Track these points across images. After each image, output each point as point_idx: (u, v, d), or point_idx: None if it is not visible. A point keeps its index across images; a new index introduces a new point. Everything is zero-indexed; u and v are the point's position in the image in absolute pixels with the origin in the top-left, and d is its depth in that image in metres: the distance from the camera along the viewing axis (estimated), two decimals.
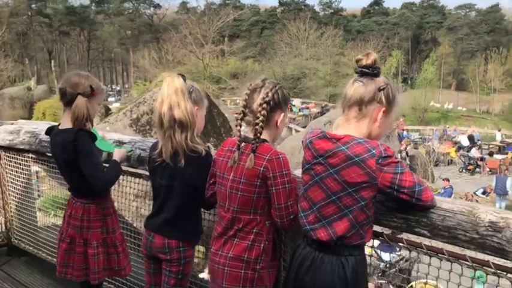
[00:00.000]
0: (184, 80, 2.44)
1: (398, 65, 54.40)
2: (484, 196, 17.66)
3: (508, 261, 1.71)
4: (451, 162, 24.36)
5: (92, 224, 2.75)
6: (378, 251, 9.32)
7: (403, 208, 1.90)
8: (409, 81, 63.59)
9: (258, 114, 2.11)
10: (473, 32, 66.31)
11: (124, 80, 72.22)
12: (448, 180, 16.40)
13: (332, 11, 73.11)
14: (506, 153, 24.45)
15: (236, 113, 2.26)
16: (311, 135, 1.98)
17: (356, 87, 1.89)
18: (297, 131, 25.85)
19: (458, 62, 62.55)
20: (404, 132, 28.02)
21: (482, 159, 23.51)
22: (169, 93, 2.39)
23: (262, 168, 2.06)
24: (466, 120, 45.46)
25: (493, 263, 1.74)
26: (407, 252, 1.98)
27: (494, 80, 54.29)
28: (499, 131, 30.41)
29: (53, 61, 57.34)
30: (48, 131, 2.86)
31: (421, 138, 29.31)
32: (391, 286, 8.56)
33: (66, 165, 2.70)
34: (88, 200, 2.76)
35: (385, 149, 1.79)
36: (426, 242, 1.91)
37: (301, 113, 34.38)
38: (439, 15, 71.38)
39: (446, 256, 1.81)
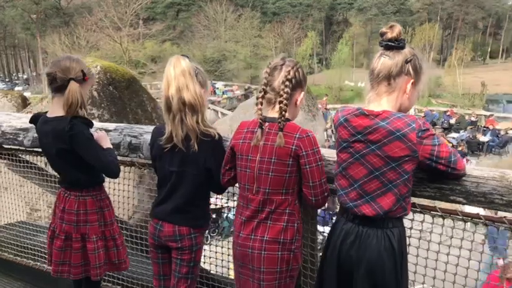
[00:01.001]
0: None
1: (313, 46, 55.88)
2: None
3: None
4: None
5: (90, 218, 2.58)
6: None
7: (435, 178, 1.98)
8: (324, 62, 65.61)
9: (282, 92, 2.09)
10: (381, 12, 69.63)
11: (31, 68, 67.51)
12: None
13: None
14: None
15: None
16: (344, 112, 1.99)
17: (383, 62, 1.92)
18: (223, 114, 25.84)
19: (369, 41, 65.40)
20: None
21: None
22: (176, 75, 2.29)
23: (294, 147, 2.04)
24: None
25: None
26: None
27: None
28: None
29: None
30: (34, 120, 2.63)
31: None
32: None
33: (59, 156, 2.50)
34: (83, 193, 2.59)
35: (423, 122, 1.85)
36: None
37: (225, 96, 34.32)
38: None
39: (482, 220, 1.92)
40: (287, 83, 2.09)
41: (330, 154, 2.26)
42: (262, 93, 2.14)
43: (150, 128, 2.91)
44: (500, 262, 5.64)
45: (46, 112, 2.59)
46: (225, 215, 11.82)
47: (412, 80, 1.93)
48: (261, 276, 2.13)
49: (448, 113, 26.03)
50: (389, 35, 1.91)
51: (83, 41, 43.87)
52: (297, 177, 2.11)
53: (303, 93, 2.19)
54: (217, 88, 38.04)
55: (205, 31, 50.86)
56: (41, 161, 3.46)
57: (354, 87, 50.33)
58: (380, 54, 1.94)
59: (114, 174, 2.56)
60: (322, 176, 2.10)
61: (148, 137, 2.82)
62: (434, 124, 23.84)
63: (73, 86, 2.43)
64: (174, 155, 2.35)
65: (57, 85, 2.46)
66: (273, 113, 2.13)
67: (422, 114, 25.65)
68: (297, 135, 2.06)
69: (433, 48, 64.26)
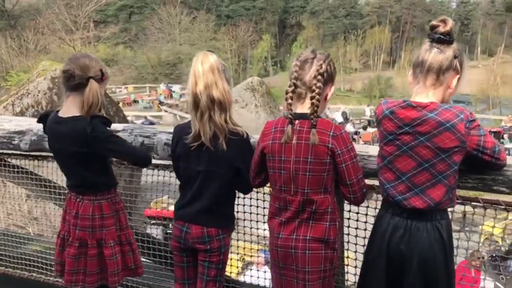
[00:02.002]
0: None
1: (268, 49, 56.38)
2: None
3: None
4: None
5: (106, 222, 2.45)
6: None
7: (475, 170, 2.00)
8: (279, 64, 66.27)
9: (314, 87, 2.01)
10: (333, 15, 71.07)
11: None
12: None
13: None
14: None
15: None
16: (389, 105, 1.96)
17: (434, 55, 1.91)
18: (181, 117, 25.59)
19: (322, 44, 66.59)
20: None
21: (356, 133, 25.50)
22: (204, 71, 2.21)
23: (330, 145, 1.98)
24: (333, 98, 48.63)
25: None
26: None
27: (353, 61, 59.01)
28: (368, 106, 33.25)
29: None
30: (42, 119, 2.48)
31: None
32: None
33: (74, 157, 2.36)
34: (98, 196, 2.44)
35: (470, 113, 1.87)
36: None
37: (183, 99, 34.01)
38: (301, 0, 75.07)
39: None
40: (319, 77, 2.02)
41: (363, 149, 2.25)
42: (293, 87, 2.05)
43: (162, 128, 2.82)
44: None
45: (56, 111, 2.44)
46: None
47: (458, 76, 1.94)
48: (306, 277, 2.07)
49: None
50: (441, 29, 1.91)
51: (31, 45, 42.32)
52: (333, 175, 2.06)
53: (333, 87, 2.15)
54: (174, 91, 37.66)
55: (159, 34, 50.21)
56: (40, 166, 3.27)
57: None
58: (430, 46, 1.93)
59: (149, 160, 2.55)
60: (359, 173, 2.07)
61: (162, 136, 2.73)
62: None
63: (94, 85, 2.31)
64: (201, 154, 2.26)
65: (75, 83, 2.32)
66: (302, 108, 2.06)
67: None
68: (331, 133, 2.00)
69: (383, 50, 66.42)
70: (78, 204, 2.44)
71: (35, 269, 3.41)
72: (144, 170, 3.04)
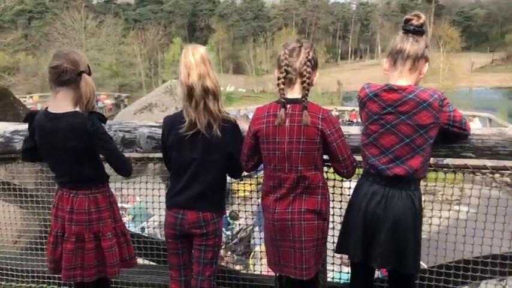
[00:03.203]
0: None
1: (181, 51, 55.85)
2: None
3: None
4: None
5: (103, 215, 2.47)
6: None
7: (446, 140, 2.30)
8: None
9: (305, 73, 2.21)
10: (241, 18, 72.27)
11: None
12: None
13: None
14: None
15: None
16: (372, 88, 2.19)
17: (412, 44, 2.16)
18: None
19: (232, 47, 67.41)
20: None
21: None
22: (196, 62, 2.33)
23: (320, 126, 2.19)
24: (248, 100, 49.56)
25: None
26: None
27: (264, 62, 60.23)
28: None
29: None
30: (30, 117, 2.43)
31: None
32: (234, 255, 9.22)
33: (71, 153, 2.36)
34: (92, 190, 2.45)
35: (441, 92, 2.16)
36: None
37: (96, 106, 32.69)
38: (210, 3, 75.48)
39: (489, 170, 2.30)
40: (308, 63, 2.22)
41: (345, 130, 2.46)
42: (284, 73, 2.23)
43: (142, 123, 2.86)
44: None
45: (46, 108, 2.40)
46: None
47: (427, 63, 2.21)
48: (302, 245, 2.26)
49: None
50: (415, 22, 2.17)
51: None
52: (322, 153, 2.28)
53: (317, 73, 2.35)
54: None
55: (64, 39, 47.74)
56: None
57: (223, 92, 51.35)
58: (405, 37, 2.18)
59: (130, 169, 2.49)
60: (348, 149, 2.30)
61: (144, 130, 2.78)
62: None
63: (88, 79, 2.34)
64: (196, 141, 2.36)
65: (66, 78, 2.31)
66: (292, 93, 2.24)
67: None
68: (320, 116, 2.21)
69: None
70: (73, 200, 2.43)
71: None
72: None
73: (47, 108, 2.40)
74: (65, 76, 2.31)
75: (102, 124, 2.40)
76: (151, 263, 3.37)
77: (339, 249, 2.37)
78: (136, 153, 2.80)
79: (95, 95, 2.36)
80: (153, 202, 3.16)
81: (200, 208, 2.41)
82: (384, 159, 2.16)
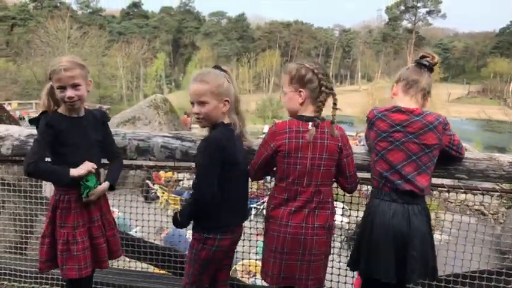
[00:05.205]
0: None
1: (164, 67, 56.08)
2: None
3: None
4: None
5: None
6: None
7: (442, 161, 2.51)
8: (174, 83, 66.10)
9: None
10: (226, 37, 73.00)
11: None
12: None
13: (91, 10, 70.52)
14: None
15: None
16: (381, 109, 2.40)
17: (426, 78, 2.43)
18: None
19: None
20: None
21: None
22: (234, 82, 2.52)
23: (339, 143, 2.37)
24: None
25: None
26: None
27: (246, 82, 60.82)
28: (266, 124, 34.61)
29: None
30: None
31: None
32: None
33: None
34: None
35: (445, 117, 2.38)
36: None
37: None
38: (195, 20, 76.17)
39: (480, 191, 2.52)
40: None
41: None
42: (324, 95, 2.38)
43: (156, 132, 2.98)
44: None
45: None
46: None
47: (428, 97, 2.46)
48: (311, 258, 2.38)
49: None
50: (432, 60, 2.44)
51: None
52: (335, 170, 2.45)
53: None
54: None
55: (46, 48, 47.44)
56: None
57: None
58: (420, 70, 2.44)
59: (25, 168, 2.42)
60: (354, 167, 2.49)
61: (158, 140, 2.90)
62: None
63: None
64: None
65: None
66: (308, 112, 2.37)
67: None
68: (339, 133, 2.39)
69: (273, 73, 69.49)
70: None
71: None
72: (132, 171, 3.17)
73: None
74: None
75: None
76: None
77: (354, 266, 2.49)
78: (149, 161, 2.93)
79: None
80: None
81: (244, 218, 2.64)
82: (395, 175, 2.33)
